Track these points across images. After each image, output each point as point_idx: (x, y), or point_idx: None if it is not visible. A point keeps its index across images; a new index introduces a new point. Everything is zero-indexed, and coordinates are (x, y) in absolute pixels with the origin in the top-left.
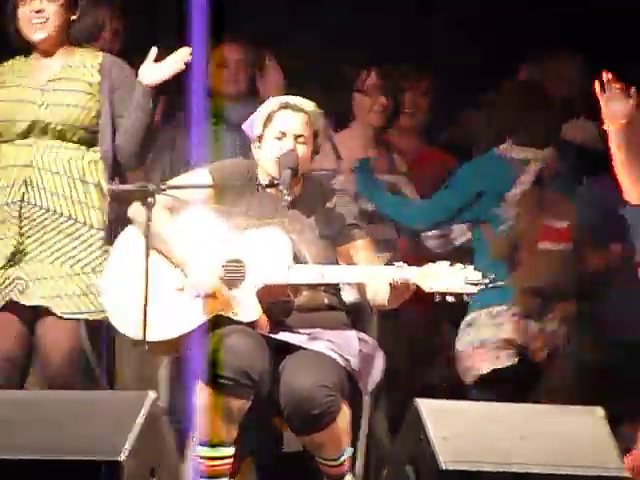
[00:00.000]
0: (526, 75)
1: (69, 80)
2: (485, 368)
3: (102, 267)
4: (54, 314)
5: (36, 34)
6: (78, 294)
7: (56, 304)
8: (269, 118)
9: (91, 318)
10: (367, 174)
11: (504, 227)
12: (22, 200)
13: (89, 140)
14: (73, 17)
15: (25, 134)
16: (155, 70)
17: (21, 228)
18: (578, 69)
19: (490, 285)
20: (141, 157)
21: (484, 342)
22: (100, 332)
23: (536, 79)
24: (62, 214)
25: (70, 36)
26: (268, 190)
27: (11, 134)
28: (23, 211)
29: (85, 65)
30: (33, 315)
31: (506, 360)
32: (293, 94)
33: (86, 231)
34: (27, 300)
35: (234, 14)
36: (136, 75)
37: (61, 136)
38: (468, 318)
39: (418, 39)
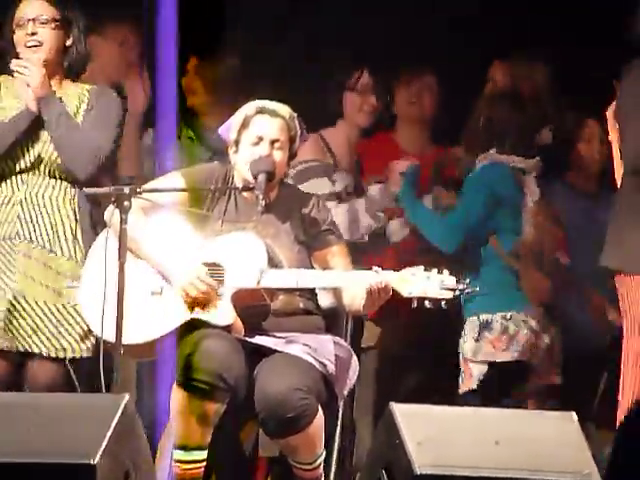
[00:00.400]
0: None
1: None
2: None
3: None
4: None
5: (31, 58)
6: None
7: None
8: (245, 123)
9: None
10: (414, 181)
11: (520, 237)
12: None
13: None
14: (67, 43)
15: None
16: None
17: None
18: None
19: (466, 291)
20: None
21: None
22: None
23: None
24: (42, 245)
25: (64, 67)
26: (244, 194)
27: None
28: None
29: (74, 101)
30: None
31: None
32: (281, 92)
33: (71, 266)
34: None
35: None
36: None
37: (51, 174)
38: (478, 320)
39: (418, 39)
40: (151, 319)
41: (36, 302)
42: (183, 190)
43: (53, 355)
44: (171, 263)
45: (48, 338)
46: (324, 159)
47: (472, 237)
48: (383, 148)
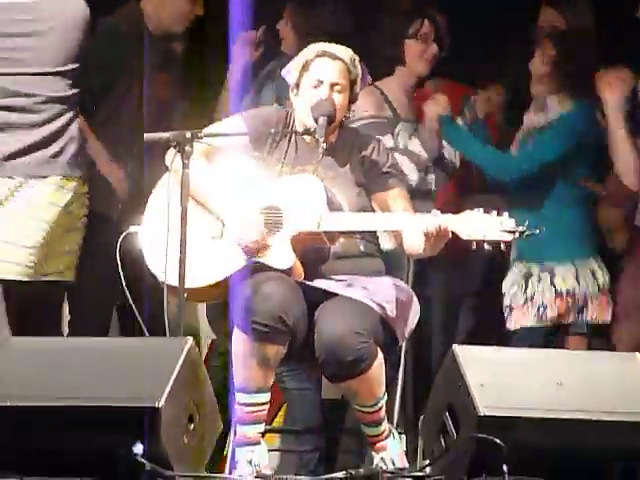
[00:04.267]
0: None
1: None
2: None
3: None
4: None
5: None
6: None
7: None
8: (306, 66)
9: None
10: (452, 124)
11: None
12: None
13: None
14: None
15: None
16: None
17: None
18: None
19: (526, 234)
20: None
21: (533, 298)
22: None
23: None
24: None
25: None
26: (304, 138)
27: None
28: None
29: None
30: None
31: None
32: (336, 40)
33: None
34: None
35: None
36: None
37: None
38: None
39: None
40: (212, 263)
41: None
42: (244, 134)
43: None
44: (229, 209)
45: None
46: (382, 113)
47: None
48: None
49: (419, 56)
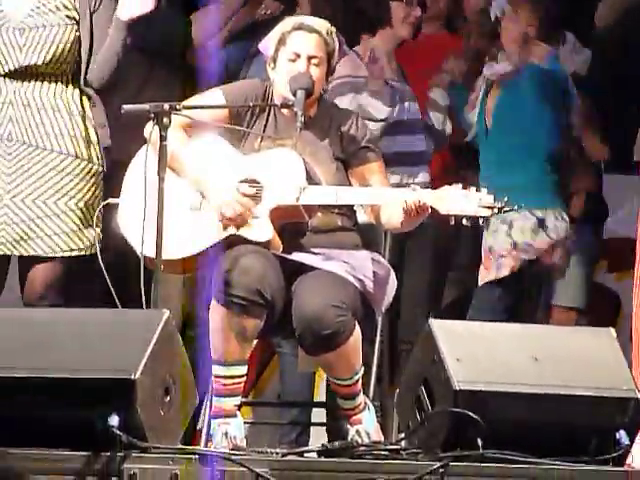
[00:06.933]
0: None
1: (46, 14)
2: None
3: (97, 201)
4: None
5: None
6: (74, 230)
7: (46, 245)
8: (282, 39)
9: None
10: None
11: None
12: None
13: (74, 72)
14: None
15: (8, 74)
16: (132, 5)
17: (8, 168)
18: None
19: (504, 209)
20: (107, 83)
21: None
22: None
23: None
24: (52, 150)
25: None
26: (283, 111)
27: None
28: (9, 150)
29: None
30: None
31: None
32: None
33: (76, 164)
34: (23, 251)
35: None
36: None
37: (45, 73)
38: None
39: None
40: (190, 235)
41: (33, 202)
42: (223, 107)
43: (50, 254)
44: (208, 181)
45: (41, 238)
46: (359, 73)
47: None
48: (425, 51)
49: (404, 19)
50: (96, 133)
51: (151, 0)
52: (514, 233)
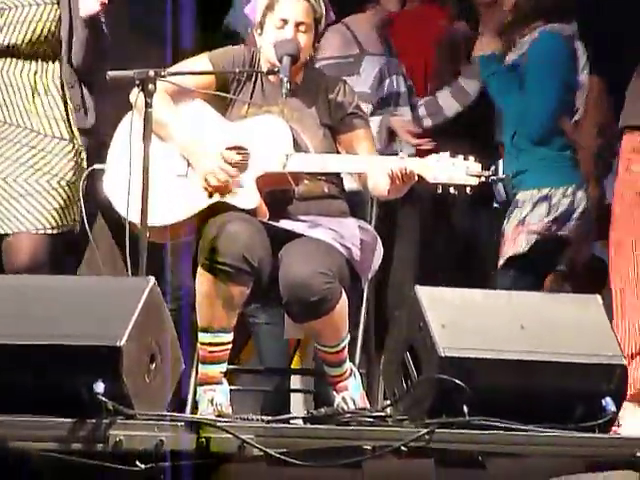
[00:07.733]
0: None
1: None
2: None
3: (75, 179)
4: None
5: None
6: (57, 208)
7: (29, 222)
8: (269, 5)
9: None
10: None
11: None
12: None
13: (53, 51)
14: None
15: None
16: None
17: None
18: None
19: (491, 178)
20: (85, 67)
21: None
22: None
23: None
24: (31, 129)
25: None
26: (270, 78)
27: None
28: None
29: None
30: None
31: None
32: None
33: (56, 143)
34: (7, 229)
35: None
36: None
37: (25, 52)
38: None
39: None
40: (177, 201)
41: (15, 180)
42: (209, 73)
43: (33, 231)
44: (194, 148)
45: (24, 215)
46: (349, 51)
47: None
48: (413, 25)
49: None
50: (71, 111)
51: None
52: (538, 209)
